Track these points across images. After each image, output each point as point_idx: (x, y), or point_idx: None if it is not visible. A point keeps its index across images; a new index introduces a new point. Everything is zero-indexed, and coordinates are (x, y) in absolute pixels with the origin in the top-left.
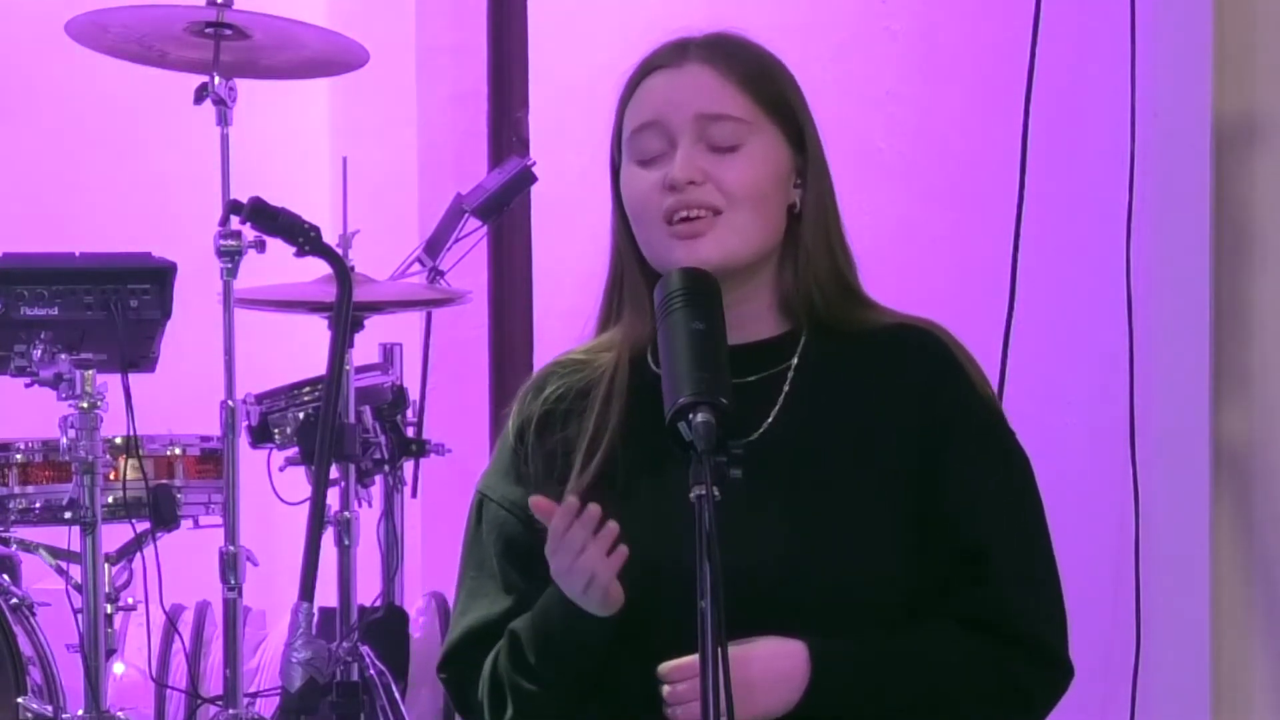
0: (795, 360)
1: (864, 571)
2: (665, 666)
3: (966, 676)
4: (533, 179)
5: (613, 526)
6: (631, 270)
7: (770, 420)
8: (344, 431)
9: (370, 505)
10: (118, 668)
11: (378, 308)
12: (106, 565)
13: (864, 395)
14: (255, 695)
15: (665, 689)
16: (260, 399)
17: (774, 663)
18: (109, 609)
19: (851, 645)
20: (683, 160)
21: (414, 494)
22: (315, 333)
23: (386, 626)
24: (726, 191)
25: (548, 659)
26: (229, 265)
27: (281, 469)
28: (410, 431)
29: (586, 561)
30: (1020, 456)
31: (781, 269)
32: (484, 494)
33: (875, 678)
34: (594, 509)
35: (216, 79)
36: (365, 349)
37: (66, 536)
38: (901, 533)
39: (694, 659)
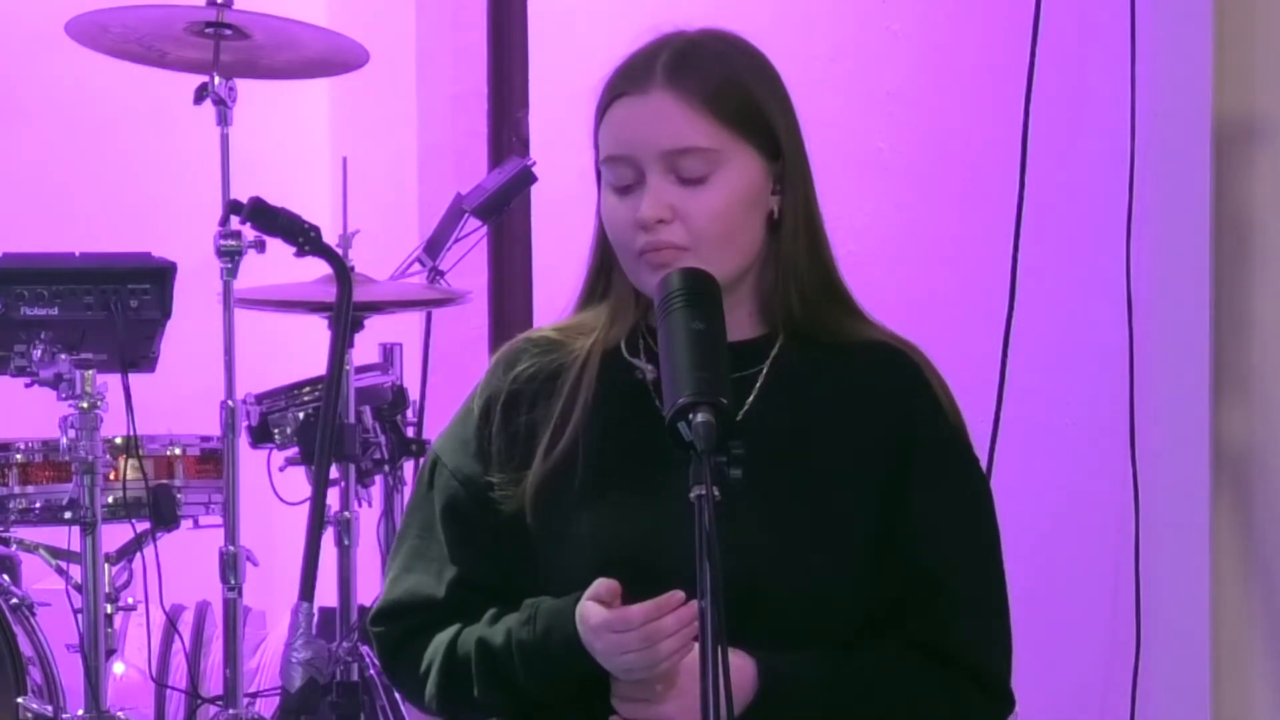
0: (767, 365)
1: (818, 582)
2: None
3: (912, 702)
4: (533, 179)
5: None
6: (616, 261)
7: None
8: (344, 431)
9: (370, 505)
10: (118, 668)
11: (378, 308)
12: (106, 565)
13: (833, 407)
14: (255, 695)
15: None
16: (260, 399)
17: None
18: (109, 609)
19: (800, 664)
20: (650, 199)
21: None
22: (315, 333)
23: None
24: (694, 229)
25: (542, 683)
26: (229, 265)
27: (281, 469)
28: (410, 431)
29: (666, 667)
30: (983, 486)
31: (763, 274)
32: (439, 458)
33: (821, 699)
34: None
35: (216, 79)
36: (365, 349)
37: (66, 536)
38: (859, 548)
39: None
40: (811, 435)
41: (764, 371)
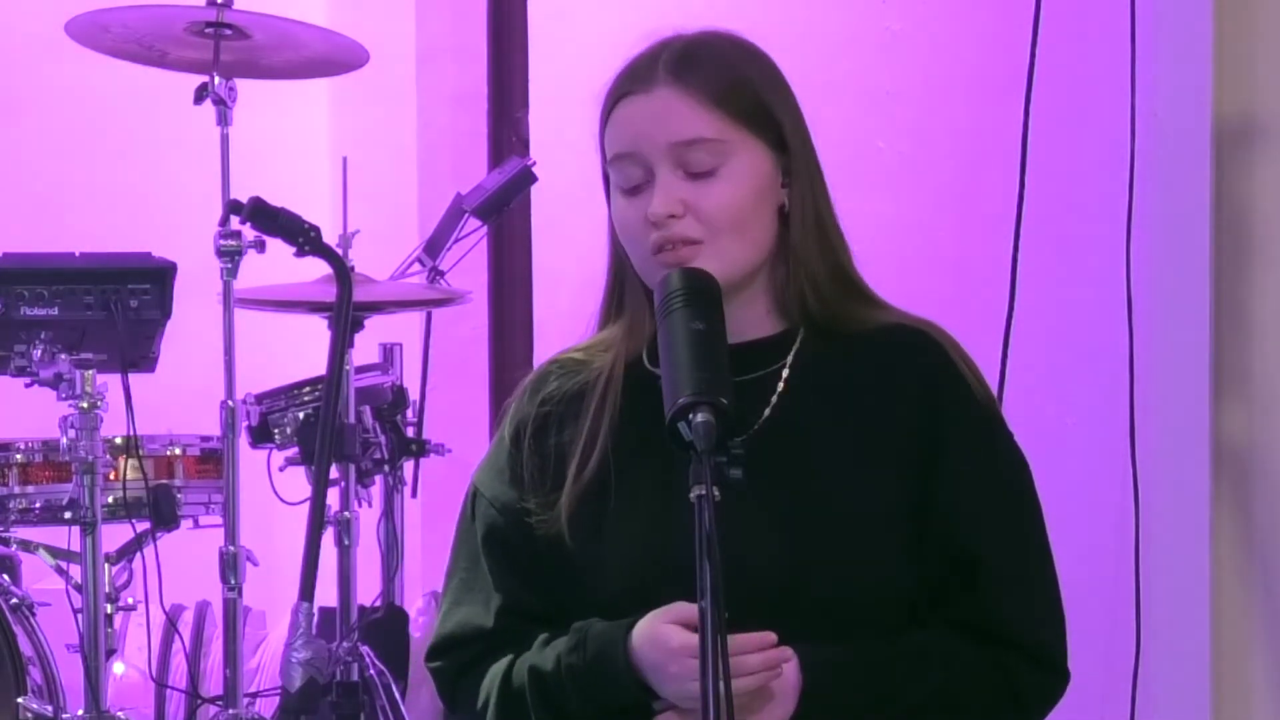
0: (789, 360)
1: (858, 575)
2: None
3: (961, 684)
4: (533, 179)
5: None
6: (630, 272)
7: (763, 420)
8: (344, 431)
9: (370, 505)
10: (118, 668)
11: (378, 308)
12: (106, 565)
13: (859, 397)
14: (255, 695)
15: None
16: (260, 399)
17: None
18: (109, 609)
19: (843, 654)
20: (660, 194)
21: (414, 494)
22: (315, 333)
23: (386, 626)
24: (706, 221)
25: (593, 709)
26: (229, 265)
27: (281, 469)
28: (410, 431)
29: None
30: (1018, 460)
31: (775, 269)
32: (478, 489)
33: (869, 687)
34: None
35: (216, 79)
36: (365, 349)
37: (66, 536)
38: (897, 536)
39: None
40: (840, 429)
41: (787, 368)
